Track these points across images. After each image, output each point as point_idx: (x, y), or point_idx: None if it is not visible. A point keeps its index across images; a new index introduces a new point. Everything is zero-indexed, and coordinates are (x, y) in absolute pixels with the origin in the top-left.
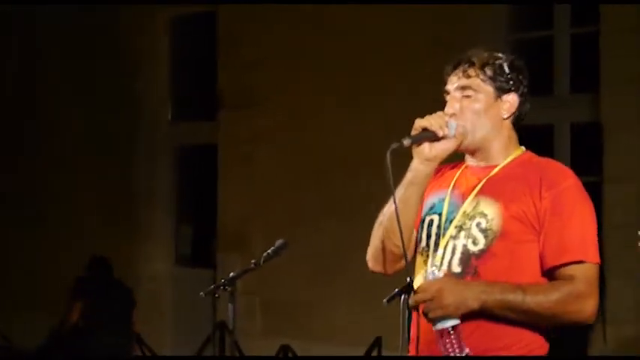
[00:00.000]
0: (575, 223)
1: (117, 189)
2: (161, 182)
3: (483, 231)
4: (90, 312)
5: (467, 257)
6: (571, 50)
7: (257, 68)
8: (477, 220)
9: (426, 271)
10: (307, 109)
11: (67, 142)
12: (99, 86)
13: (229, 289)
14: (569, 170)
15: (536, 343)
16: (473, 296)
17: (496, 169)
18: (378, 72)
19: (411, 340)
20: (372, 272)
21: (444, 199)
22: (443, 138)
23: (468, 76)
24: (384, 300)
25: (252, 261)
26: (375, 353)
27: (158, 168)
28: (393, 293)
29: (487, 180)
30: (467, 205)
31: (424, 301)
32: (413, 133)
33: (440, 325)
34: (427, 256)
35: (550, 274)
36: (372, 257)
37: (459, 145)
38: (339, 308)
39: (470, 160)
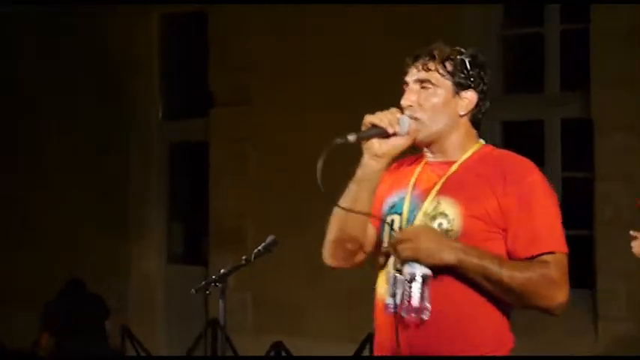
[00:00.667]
0: (543, 215)
1: (109, 187)
2: (153, 180)
3: (445, 232)
4: (58, 339)
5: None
6: (561, 47)
7: (248, 66)
8: (438, 220)
9: (387, 272)
10: (298, 106)
11: (59, 140)
12: (90, 85)
13: (220, 285)
14: (531, 163)
15: (501, 341)
16: (450, 250)
17: (455, 166)
18: (370, 71)
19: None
20: (363, 269)
21: (404, 198)
22: (394, 135)
23: (428, 70)
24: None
25: (243, 257)
26: (367, 350)
27: (150, 166)
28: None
29: (447, 178)
30: (427, 205)
31: (400, 241)
32: (363, 128)
33: (409, 269)
34: (389, 256)
35: None
36: (328, 253)
37: (413, 142)
38: (331, 305)
39: (429, 156)
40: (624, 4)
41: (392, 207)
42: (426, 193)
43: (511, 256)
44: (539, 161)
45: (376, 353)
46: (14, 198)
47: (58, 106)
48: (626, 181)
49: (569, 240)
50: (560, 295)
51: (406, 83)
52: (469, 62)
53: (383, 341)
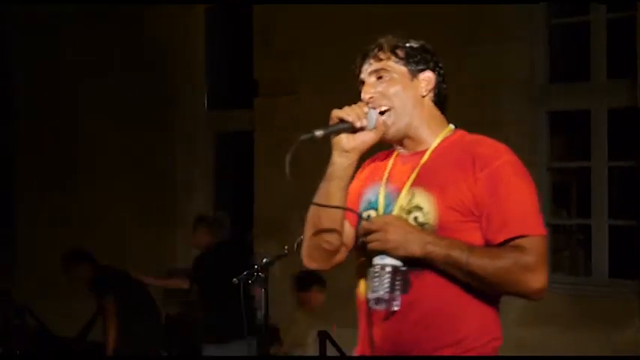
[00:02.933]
0: (513, 198)
1: (154, 177)
2: (198, 170)
3: (421, 225)
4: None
5: None
6: (608, 36)
7: (293, 56)
8: (414, 214)
9: (364, 266)
10: (342, 94)
11: (103, 130)
12: (136, 76)
13: (263, 274)
14: (503, 146)
15: (486, 330)
16: (418, 241)
17: (426, 155)
18: None
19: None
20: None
21: (378, 193)
22: (361, 129)
23: (379, 60)
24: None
25: (285, 247)
26: None
27: (196, 156)
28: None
29: (420, 169)
30: (402, 199)
31: (369, 231)
32: (330, 123)
33: (378, 261)
34: (363, 250)
35: None
36: (305, 254)
37: (382, 137)
38: None
39: (399, 148)
40: None
41: (368, 203)
42: (399, 187)
43: (487, 244)
44: (586, 151)
45: (357, 348)
46: (66, 192)
47: (104, 99)
48: None
49: (618, 230)
50: (535, 280)
51: (361, 82)
52: (419, 47)
53: (361, 334)
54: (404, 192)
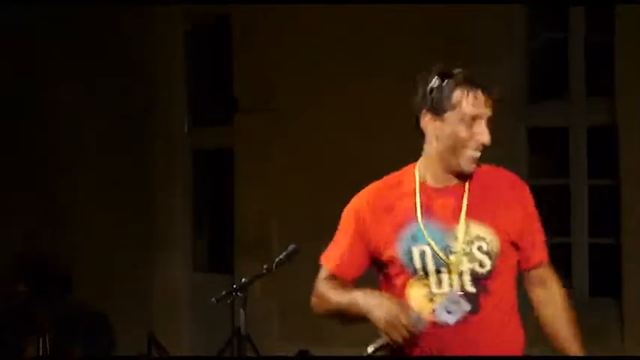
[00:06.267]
0: (539, 227)
1: (133, 195)
2: (178, 188)
3: (487, 253)
4: None
5: (477, 278)
6: (586, 54)
7: (272, 73)
8: (477, 244)
9: (434, 298)
10: (323, 112)
11: (84, 150)
12: (114, 93)
13: (242, 295)
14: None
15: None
16: None
17: (467, 187)
18: (392, 74)
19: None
20: None
21: (420, 230)
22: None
23: (490, 106)
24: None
25: (264, 266)
26: None
27: (175, 173)
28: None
29: (468, 202)
30: (459, 231)
31: None
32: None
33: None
34: (427, 281)
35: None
36: (316, 311)
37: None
38: None
39: (430, 181)
40: None
41: (413, 239)
42: (449, 220)
43: (522, 265)
44: (565, 168)
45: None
46: (39, 212)
47: (82, 114)
48: None
49: (597, 248)
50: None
51: (478, 115)
52: None
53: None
54: (460, 225)
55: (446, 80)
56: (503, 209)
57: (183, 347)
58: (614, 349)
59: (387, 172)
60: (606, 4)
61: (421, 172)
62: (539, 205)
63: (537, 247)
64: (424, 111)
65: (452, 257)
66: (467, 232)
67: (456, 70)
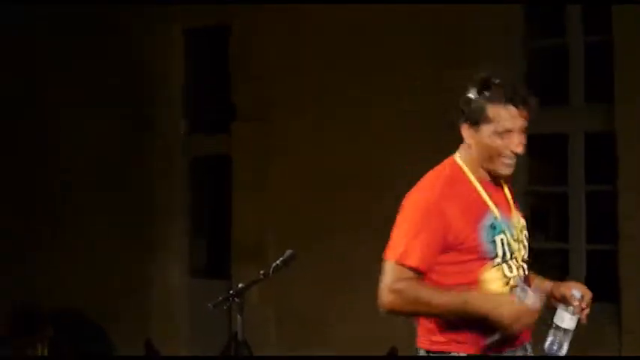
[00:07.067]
0: None
1: (132, 201)
2: (176, 194)
3: (528, 242)
4: None
5: (525, 263)
6: (585, 59)
7: (270, 81)
8: (524, 232)
9: (509, 281)
10: (320, 120)
11: (83, 154)
12: (114, 100)
13: (238, 300)
14: None
15: None
16: None
17: (503, 181)
18: (388, 89)
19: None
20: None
21: (496, 218)
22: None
23: (526, 118)
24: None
25: (261, 272)
26: None
27: (173, 180)
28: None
29: (511, 197)
30: (515, 222)
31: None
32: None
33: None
34: (503, 268)
35: None
36: (390, 308)
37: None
38: (353, 319)
39: (483, 174)
40: None
41: (493, 227)
42: (507, 211)
43: None
44: (563, 174)
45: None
46: (36, 210)
47: (81, 119)
48: None
49: (595, 254)
50: None
51: (511, 129)
52: None
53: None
54: (514, 216)
55: (481, 95)
56: (518, 206)
57: (180, 353)
58: (612, 354)
59: (385, 180)
60: (604, 7)
61: (468, 167)
62: (538, 210)
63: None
64: (462, 121)
65: (516, 244)
66: (518, 221)
67: (495, 81)
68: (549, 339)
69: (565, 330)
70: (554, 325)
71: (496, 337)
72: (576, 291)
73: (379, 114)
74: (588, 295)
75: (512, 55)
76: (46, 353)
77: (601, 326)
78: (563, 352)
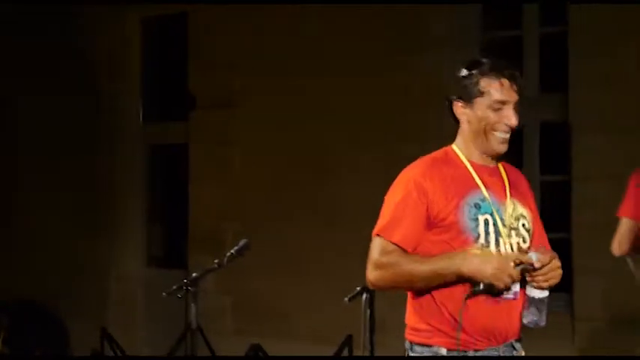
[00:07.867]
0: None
1: (88, 189)
2: (133, 182)
3: (527, 231)
4: None
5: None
6: (540, 50)
7: (228, 69)
8: (521, 221)
9: None
10: (279, 109)
11: (36, 142)
12: (70, 87)
13: (192, 289)
14: None
15: None
16: None
17: (501, 169)
18: (349, 71)
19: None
20: (344, 271)
21: (484, 199)
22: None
23: (519, 93)
24: (346, 298)
25: (215, 261)
26: (345, 352)
27: (130, 168)
28: (355, 292)
29: (508, 181)
30: (508, 207)
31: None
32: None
33: (539, 294)
34: (487, 249)
35: None
36: (375, 284)
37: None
38: (310, 307)
39: (476, 157)
40: (601, 3)
41: (477, 207)
42: (501, 195)
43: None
44: (518, 164)
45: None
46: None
47: (37, 107)
48: (603, 183)
49: (549, 243)
50: None
51: (505, 101)
52: None
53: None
54: (507, 201)
55: (473, 70)
56: (528, 196)
57: (137, 342)
58: (566, 346)
59: (346, 171)
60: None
61: (462, 151)
62: None
63: (543, 234)
64: (455, 99)
65: (505, 230)
66: (514, 209)
67: (484, 60)
68: (524, 312)
69: (535, 299)
70: (527, 298)
71: (480, 287)
72: (532, 254)
73: (342, 103)
74: (545, 258)
75: (468, 47)
76: (1, 343)
77: (554, 315)
78: (543, 322)
